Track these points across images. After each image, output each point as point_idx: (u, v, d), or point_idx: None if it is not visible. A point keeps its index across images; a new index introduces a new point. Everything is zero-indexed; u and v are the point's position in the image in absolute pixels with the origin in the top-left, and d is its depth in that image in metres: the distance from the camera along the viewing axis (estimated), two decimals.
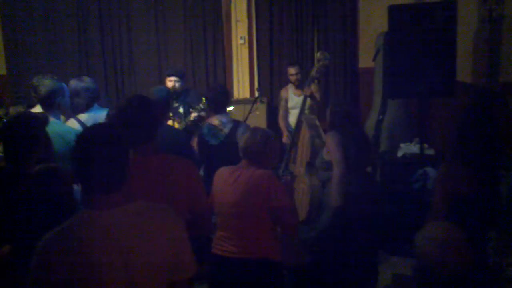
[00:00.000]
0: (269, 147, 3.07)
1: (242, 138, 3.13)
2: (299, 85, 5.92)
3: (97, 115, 3.88)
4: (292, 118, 5.88)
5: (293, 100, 6.00)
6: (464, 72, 4.75)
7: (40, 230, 1.79)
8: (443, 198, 2.76)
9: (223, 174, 3.08)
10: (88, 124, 3.74)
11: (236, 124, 4.09)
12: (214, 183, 3.10)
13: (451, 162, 2.91)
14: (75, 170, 1.75)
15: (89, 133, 1.77)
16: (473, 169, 2.74)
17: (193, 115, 4.64)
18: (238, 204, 2.93)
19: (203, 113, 4.51)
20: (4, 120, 4.53)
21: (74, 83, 3.96)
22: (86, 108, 3.92)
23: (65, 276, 1.61)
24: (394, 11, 4.28)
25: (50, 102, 3.52)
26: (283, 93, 6.17)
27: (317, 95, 5.64)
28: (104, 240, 1.67)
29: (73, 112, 3.93)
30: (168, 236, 1.77)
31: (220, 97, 4.15)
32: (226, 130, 4.04)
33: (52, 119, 3.45)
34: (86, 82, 3.98)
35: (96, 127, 1.82)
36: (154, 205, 1.85)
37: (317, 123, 4.93)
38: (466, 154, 2.77)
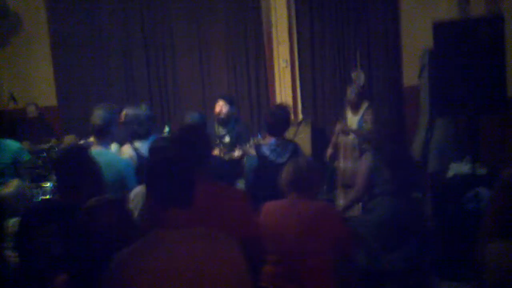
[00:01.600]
0: (316, 173, 3.00)
1: (285, 172, 2.99)
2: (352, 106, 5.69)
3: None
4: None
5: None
6: None
7: (98, 260, 1.83)
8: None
9: (275, 210, 2.95)
10: (143, 151, 3.81)
11: (291, 144, 3.95)
12: (265, 220, 2.95)
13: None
14: (147, 187, 1.89)
15: (160, 151, 2.02)
16: None
17: (237, 154, 4.60)
18: (303, 241, 2.82)
19: (248, 150, 4.41)
20: (57, 151, 4.69)
21: (133, 111, 4.03)
22: (146, 136, 3.96)
23: None
24: (439, 28, 4.20)
25: (105, 132, 3.55)
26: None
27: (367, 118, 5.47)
28: (174, 259, 1.74)
29: (131, 138, 4.00)
30: (232, 262, 1.85)
31: (281, 123, 3.90)
32: (290, 148, 3.87)
33: (102, 149, 3.51)
34: (146, 110, 4.11)
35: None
36: (215, 231, 1.92)
37: (366, 146, 4.88)
38: None
